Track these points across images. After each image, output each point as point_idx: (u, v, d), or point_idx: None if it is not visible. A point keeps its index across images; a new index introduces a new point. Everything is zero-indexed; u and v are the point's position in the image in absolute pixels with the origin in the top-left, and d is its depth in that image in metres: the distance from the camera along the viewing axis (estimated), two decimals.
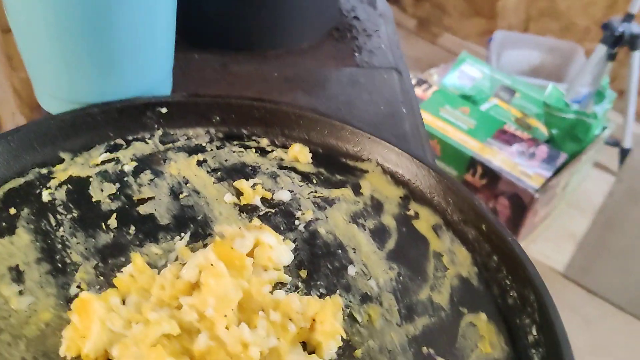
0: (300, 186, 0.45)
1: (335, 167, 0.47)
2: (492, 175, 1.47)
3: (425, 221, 0.43)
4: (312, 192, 0.44)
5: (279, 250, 0.38)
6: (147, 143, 0.46)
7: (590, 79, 1.80)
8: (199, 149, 0.47)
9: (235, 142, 0.48)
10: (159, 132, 0.47)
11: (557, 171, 1.51)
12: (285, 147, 0.48)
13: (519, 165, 1.47)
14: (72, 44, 0.43)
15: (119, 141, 0.46)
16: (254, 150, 0.47)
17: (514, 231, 1.53)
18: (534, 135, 1.56)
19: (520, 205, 1.47)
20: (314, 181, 0.45)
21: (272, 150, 0.47)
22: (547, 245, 1.69)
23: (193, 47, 0.58)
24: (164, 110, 0.47)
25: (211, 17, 0.57)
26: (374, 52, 0.61)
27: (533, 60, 2.13)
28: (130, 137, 0.47)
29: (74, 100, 0.47)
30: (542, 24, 2.24)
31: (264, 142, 0.48)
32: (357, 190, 0.45)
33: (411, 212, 0.43)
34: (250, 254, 0.37)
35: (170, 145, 0.47)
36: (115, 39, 0.44)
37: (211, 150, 0.47)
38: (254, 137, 0.48)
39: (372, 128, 0.50)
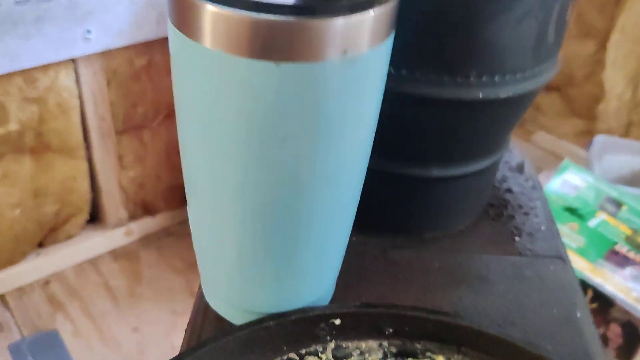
0: None
1: None
2: (604, 301, 1.39)
3: None
4: None
5: None
6: (320, 358, 0.45)
7: None
8: None
9: None
10: (332, 345, 0.45)
11: None
12: None
13: (633, 291, 1.39)
14: (258, 256, 0.42)
15: (293, 356, 0.44)
16: None
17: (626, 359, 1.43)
18: None
19: (635, 334, 1.38)
20: None
21: None
22: None
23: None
24: (337, 321, 0.46)
25: (371, 199, 0.56)
26: (535, 236, 0.58)
27: (635, 166, 2.05)
28: (303, 351, 0.45)
29: (246, 309, 0.45)
30: None
31: None
32: None
33: None
34: None
35: None
36: (304, 250, 0.42)
37: None
38: (428, 354, 0.46)
39: (548, 341, 0.47)
